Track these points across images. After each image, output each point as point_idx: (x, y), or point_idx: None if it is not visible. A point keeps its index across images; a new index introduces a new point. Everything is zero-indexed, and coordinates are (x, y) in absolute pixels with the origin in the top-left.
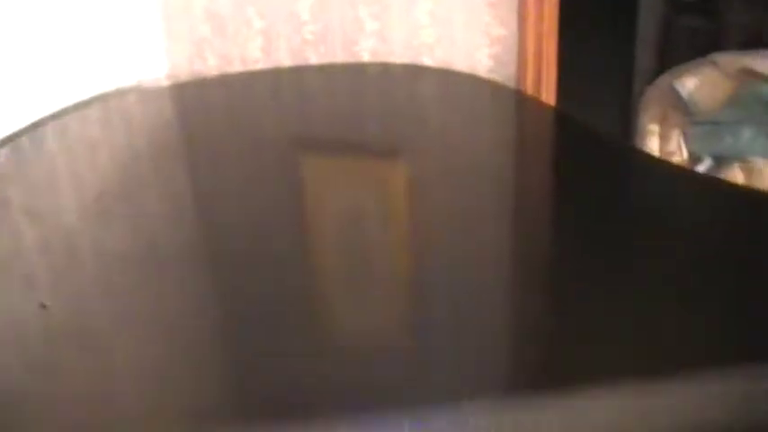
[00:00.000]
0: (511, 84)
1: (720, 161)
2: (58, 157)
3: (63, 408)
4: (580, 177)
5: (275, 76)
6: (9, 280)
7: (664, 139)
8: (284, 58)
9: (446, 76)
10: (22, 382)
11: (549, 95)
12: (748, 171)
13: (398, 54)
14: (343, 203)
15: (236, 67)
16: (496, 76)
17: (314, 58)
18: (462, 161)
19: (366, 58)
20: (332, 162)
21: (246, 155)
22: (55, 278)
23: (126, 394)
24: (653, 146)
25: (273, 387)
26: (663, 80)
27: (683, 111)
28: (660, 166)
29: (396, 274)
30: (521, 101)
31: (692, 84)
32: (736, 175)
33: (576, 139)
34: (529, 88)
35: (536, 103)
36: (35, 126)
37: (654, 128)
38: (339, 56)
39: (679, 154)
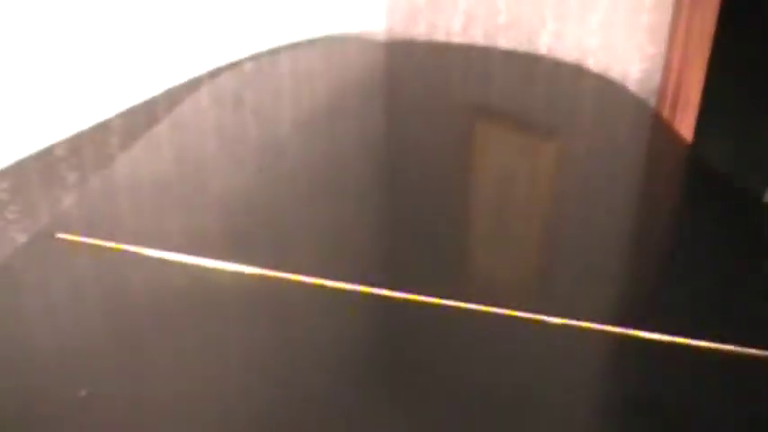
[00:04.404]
0: (653, 97)
1: None
2: (286, 77)
3: None
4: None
5: (469, 52)
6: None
7: None
8: (478, 37)
9: (600, 84)
10: None
11: (687, 113)
12: None
13: (569, 51)
14: (500, 161)
15: (440, 37)
16: (643, 87)
17: (502, 41)
18: (587, 157)
19: (543, 50)
20: (497, 129)
21: (432, 109)
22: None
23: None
24: None
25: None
26: None
27: None
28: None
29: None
30: (652, 122)
31: None
32: None
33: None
34: (667, 106)
35: (664, 126)
36: (276, 52)
37: None
38: (522, 44)
39: None
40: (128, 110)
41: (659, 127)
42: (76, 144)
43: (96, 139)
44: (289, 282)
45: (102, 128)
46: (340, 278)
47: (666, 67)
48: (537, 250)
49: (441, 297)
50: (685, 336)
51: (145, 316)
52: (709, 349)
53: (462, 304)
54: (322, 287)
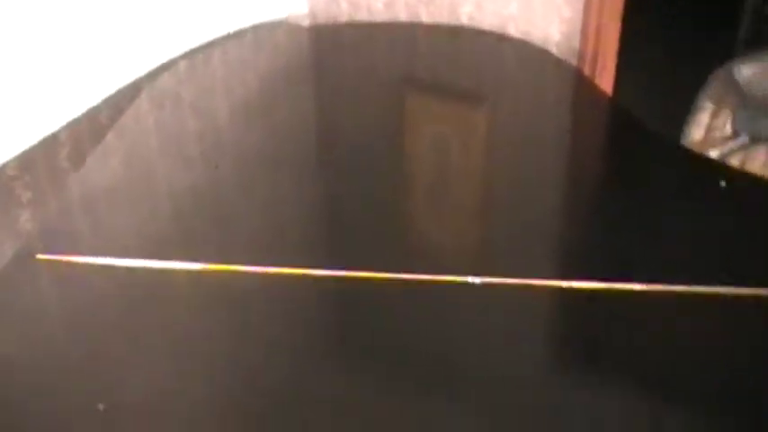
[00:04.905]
0: (573, 57)
1: (756, 141)
2: (219, 71)
3: None
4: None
5: (393, 28)
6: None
7: (714, 116)
8: (401, 12)
9: (523, 49)
10: None
11: (606, 70)
12: None
13: (490, 20)
14: (432, 133)
15: (363, 15)
16: (563, 49)
17: (424, 16)
18: (516, 119)
19: (464, 20)
20: (427, 101)
21: (361, 88)
22: (206, 156)
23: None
24: (703, 120)
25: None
26: (728, 66)
27: (738, 94)
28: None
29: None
30: (574, 79)
31: (749, 71)
32: (760, 154)
33: (601, 116)
34: (588, 63)
35: (586, 83)
36: (208, 47)
37: (709, 105)
38: (444, 16)
39: (722, 130)
40: (72, 120)
41: (581, 84)
42: (27, 161)
43: (46, 154)
44: (245, 273)
45: (50, 142)
46: (288, 263)
47: (584, 27)
48: (474, 215)
49: (385, 271)
50: (617, 281)
51: (139, 324)
52: (641, 291)
53: (407, 275)
54: (273, 274)
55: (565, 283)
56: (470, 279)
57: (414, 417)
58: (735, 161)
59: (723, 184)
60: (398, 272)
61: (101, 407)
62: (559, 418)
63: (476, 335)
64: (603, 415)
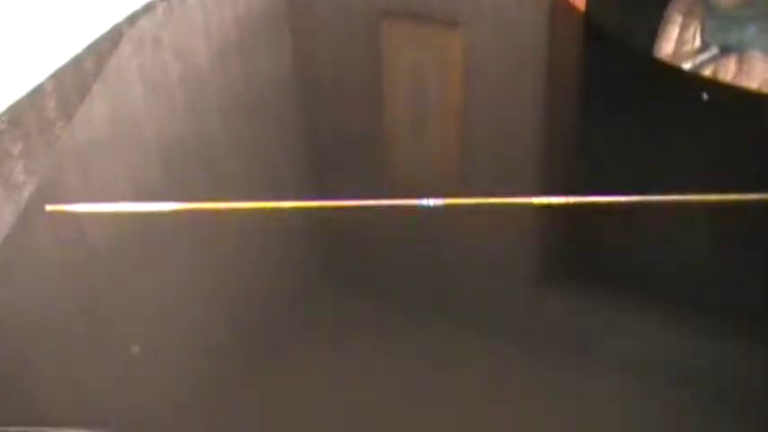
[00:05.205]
0: None
1: (726, 51)
2: (197, 12)
3: None
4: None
5: None
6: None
7: (684, 28)
8: None
9: None
10: None
11: None
12: (741, 62)
13: None
14: (411, 61)
15: None
16: None
17: None
18: (492, 41)
19: None
20: (405, 30)
21: (339, 21)
22: (189, 97)
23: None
24: (672, 33)
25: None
26: None
27: (706, 5)
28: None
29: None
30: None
31: None
32: (730, 64)
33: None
34: None
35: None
36: None
37: (677, 17)
38: None
39: (692, 42)
40: (57, 70)
41: (555, 2)
42: (15, 114)
43: (33, 106)
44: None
45: (37, 93)
46: (276, 197)
47: None
48: (457, 138)
49: (370, 198)
50: (600, 194)
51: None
52: (623, 203)
53: (392, 201)
54: (264, 208)
55: (547, 200)
56: (453, 200)
57: (405, 343)
58: (706, 73)
59: (705, 97)
60: (383, 198)
61: (136, 349)
62: (547, 333)
63: (462, 255)
64: (590, 325)
